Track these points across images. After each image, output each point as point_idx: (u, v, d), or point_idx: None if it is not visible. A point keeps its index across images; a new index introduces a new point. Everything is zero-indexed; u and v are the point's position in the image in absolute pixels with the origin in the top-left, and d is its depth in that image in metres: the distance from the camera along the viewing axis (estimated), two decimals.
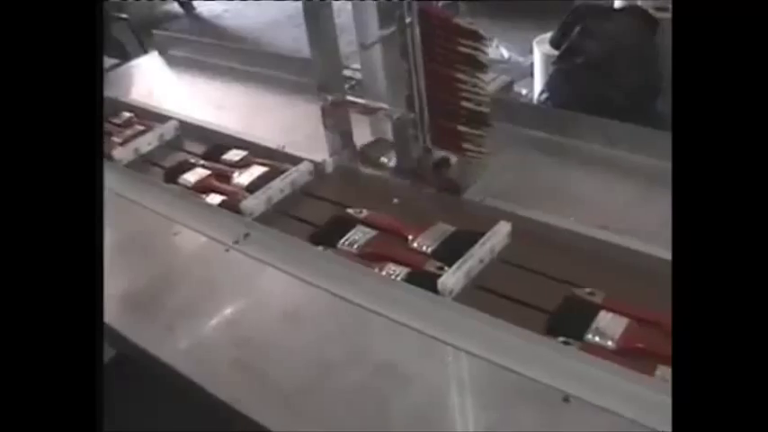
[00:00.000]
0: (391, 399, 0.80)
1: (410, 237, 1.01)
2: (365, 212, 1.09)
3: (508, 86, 2.79)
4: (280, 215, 1.14)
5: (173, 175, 1.27)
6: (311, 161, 1.22)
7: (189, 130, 1.43)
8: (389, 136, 1.17)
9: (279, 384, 0.84)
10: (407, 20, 1.01)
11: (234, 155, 1.30)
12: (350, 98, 1.19)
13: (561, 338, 0.82)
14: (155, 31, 1.95)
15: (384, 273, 0.96)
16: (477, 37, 0.99)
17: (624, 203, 1.07)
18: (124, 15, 2.96)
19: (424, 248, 0.99)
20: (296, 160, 1.23)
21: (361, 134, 1.23)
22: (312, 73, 1.19)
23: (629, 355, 0.80)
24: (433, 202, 1.11)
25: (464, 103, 1.03)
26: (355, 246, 1.02)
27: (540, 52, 2.51)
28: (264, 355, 0.89)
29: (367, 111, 1.18)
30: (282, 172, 1.20)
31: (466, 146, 1.06)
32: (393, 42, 1.06)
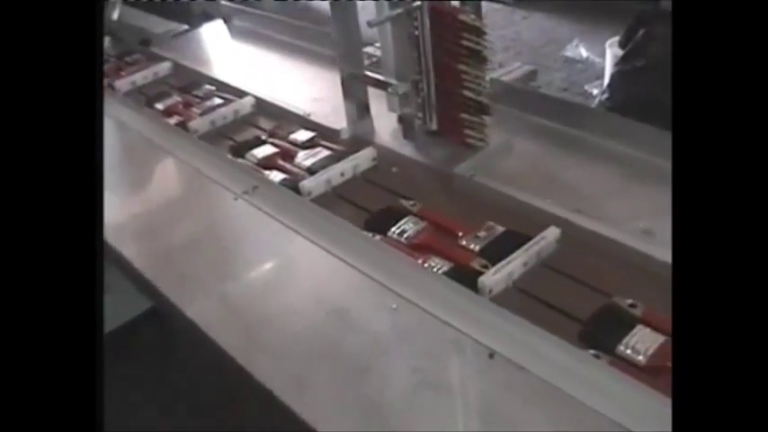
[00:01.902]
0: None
1: (296, 155, 1.27)
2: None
3: (531, 75, 2.93)
4: (218, 135, 1.42)
5: (151, 102, 1.57)
6: (254, 96, 1.48)
7: (179, 70, 1.73)
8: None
9: None
10: (416, 3, 1.12)
11: (202, 91, 1.58)
12: (367, 73, 1.29)
13: (377, 235, 1.05)
14: (222, 2, 2.05)
15: (272, 177, 1.22)
16: (479, 32, 1.08)
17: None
18: None
19: (305, 163, 1.24)
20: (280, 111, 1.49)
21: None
22: (333, 48, 1.31)
23: (417, 249, 1.01)
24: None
25: (466, 93, 1.13)
26: (260, 157, 1.28)
27: (611, 54, 2.51)
28: None
29: (381, 85, 1.27)
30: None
31: (467, 132, 1.17)
32: (404, 25, 1.14)
